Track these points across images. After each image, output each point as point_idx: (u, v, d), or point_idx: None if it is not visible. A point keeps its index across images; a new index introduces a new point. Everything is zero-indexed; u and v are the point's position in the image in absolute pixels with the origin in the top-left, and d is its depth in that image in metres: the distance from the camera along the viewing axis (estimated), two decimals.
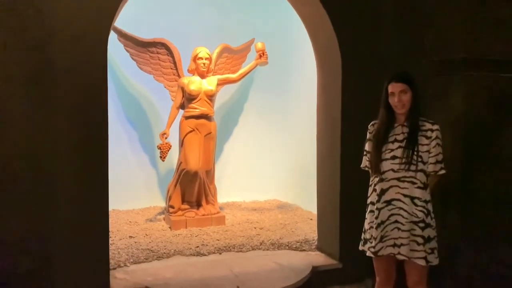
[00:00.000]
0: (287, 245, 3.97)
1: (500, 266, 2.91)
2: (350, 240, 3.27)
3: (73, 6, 2.83)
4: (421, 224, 2.37)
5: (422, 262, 2.37)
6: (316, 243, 3.93)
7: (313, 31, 3.78)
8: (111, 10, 2.95)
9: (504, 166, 2.92)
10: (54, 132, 2.82)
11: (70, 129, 2.86)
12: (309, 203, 4.85)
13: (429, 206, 2.41)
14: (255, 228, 4.53)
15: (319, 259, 3.65)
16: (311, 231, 4.32)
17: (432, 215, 2.42)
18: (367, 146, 2.57)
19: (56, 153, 2.83)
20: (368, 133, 2.57)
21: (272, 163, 5.80)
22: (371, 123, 2.57)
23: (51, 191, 2.83)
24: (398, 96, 2.41)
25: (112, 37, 4.48)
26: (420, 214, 2.38)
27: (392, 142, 2.44)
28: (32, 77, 2.76)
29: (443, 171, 2.42)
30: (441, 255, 2.43)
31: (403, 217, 2.40)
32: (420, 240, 2.37)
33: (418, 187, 2.39)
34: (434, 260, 2.40)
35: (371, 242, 2.48)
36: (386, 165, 2.43)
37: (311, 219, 4.78)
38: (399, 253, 2.41)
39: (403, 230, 2.39)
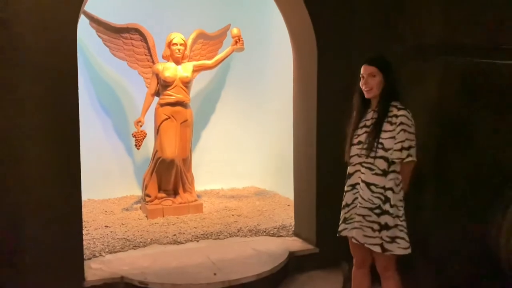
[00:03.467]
0: (265, 231, 3.98)
1: (471, 245, 2.98)
2: (327, 225, 3.30)
3: None
4: (377, 211, 2.34)
5: (377, 249, 2.35)
6: (293, 229, 3.96)
7: (288, 17, 3.75)
8: None
9: (477, 150, 2.98)
10: (22, 119, 2.73)
11: (40, 116, 2.77)
12: (287, 190, 4.87)
13: (389, 194, 2.33)
14: (233, 215, 4.53)
15: (296, 244, 3.68)
16: (288, 217, 4.35)
17: (394, 203, 2.33)
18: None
19: (25, 141, 2.74)
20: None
21: (249, 151, 5.79)
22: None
23: (21, 181, 2.75)
24: (366, 79, 2.40)
25: (84, 22, 4.36)
26: (376, 201, 2.34)
27: (361, 127, 2.45)
28: None
29: (410, 159, 2.31)
30: (414, 238, 2.44)
31: (359, 202, 2.41)
32: (375, 226, 2.35)
33: (376, 174, 2.35)
34: (396, 249, 2.33)
35: (340, 222, 2.54)
36: (353, 150, 2.46)
37: (288, 205, 4.80)
38: (352, 237, 2.44)
39: (358, 214, 2.41)
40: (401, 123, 2.30)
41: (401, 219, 2.36)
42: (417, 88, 2.99)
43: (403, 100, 2.42)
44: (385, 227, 2.33)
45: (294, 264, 3.44)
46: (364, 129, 2.43)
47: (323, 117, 3.48)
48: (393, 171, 2.34)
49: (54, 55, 2.78)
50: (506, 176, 2.98)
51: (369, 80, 2.39)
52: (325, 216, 3.46)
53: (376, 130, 2.34)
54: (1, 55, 2.66)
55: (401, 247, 2.34)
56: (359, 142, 2.43)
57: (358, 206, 2.41)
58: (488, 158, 2.99)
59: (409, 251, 2.36)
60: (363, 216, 2.38)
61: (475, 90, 2.97)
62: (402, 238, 2.34)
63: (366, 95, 2.43)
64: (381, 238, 2.34)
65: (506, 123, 3.00)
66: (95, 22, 4.57)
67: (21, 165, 2.75)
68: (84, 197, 3.02)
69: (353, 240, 2.45)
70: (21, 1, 2.69)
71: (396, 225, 2.34)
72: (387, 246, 2.33)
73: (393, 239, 2.33)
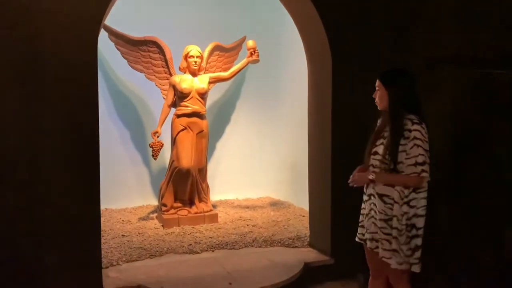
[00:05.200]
0: (280, 242, 3.99)
1: (488, 258, 2.94)
2: (342, 236, 3.30)
3: (62, 4, 2.82)
4: (391, 222, 2.35)
5: (390, 262, 2.36)
6: (308, 240, 3.96)
7: (303, 28, 3.79)
8: (101, 8, 2.94)
9: (493, 161, 2.96)
10: (44, 130, 2.82)
11: (60, 127, 2.86)
12: (302, 200, 4.87)
13: (394, 205, 2.33)
14: (247, 225, 4.55)
15: (311, 255, 3.68)
16: (303, 228, 4.35)
17: (396, 214, 2.32)
18: None
19: (46, 151, 2.82)
20: None
21: (264, 161, 5.82)
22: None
23: (42, 191, 2.83)
24: (375, 92, 2.48)
25: (103, 35, 4.47)
26: (389, 212, 2.35)
27: (379, 138, 2.47)
28: (20, 75, 2.75)
29: (424, 174, 2.28)
30: (430, 251, 2.43)
31: (375, 213, 2.42)
32: (390, 238, 2.36)
33: (386, 184, 2.36)
34: (394, 263, 2.33)
35: (359, 227, 2.57)
36: (371, 160, 2.48)
37: (303, 216, 4.80)
38: (376, 247, 2.43)
39: (375, 226, 2.43)
40: (414, 138, 2.29)
41: (401, 232, 2.32)
42: (431, 100, 2.99)
43: (420, 114, 2.37)
44: (394, 238, 2.35)
45: (309, 275, 3.44)
46: (381, 140, 2.45)
47: (338, 128, 3.50)
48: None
49: (75, 67, 2.87)
50: None
51: (375, 94, 2.48)
52: (340, 227, 3.46)
53: (389, 144, 2.35)
54: (24, 66, 2.76)
55: (397, 262, 2.33)
56: (375, 153, 2.45)
57: (375, 217, 2.42)
58: (506, 170, 2.97)
59: (403, 267, 2.33)
60: (380, 228, 2.39)
61: (490, 101, 2.96)
62: (398, 252, 2.33)
63: (378, 107, 2.50)
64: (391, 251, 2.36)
65: None
66: (114, 35, 4.69)
67: (42, 175, 2.83)
68: (102, 206, 3.08)
69: (379, 251, 2.43)
70: (44, 17, 2.78)
71: (396, 238, 2.33)
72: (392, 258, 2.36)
73: (393, 252, 2.35)
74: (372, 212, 2.45)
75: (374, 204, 2.43)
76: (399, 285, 2.44)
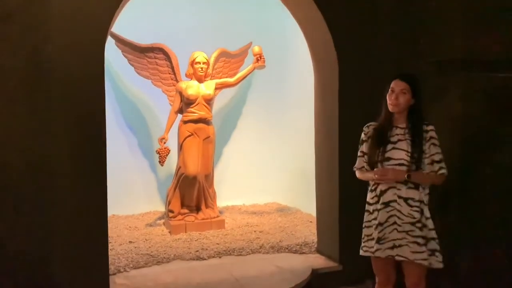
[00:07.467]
0: (287, 248, 3.97)
1: (499, 265, 2.91)
2: (350, 242, 3.27)
3: (69, 12, 2.84)
4: (419, 225, 2.37)
5: (425, 263, 2.36)
6: (316, 246, 3.94)
7: (309, 34, 3.79)
8: (108, 16, 2.96)
9: (502, 166, 2.93)
10: (52, 137, 2.83)
11: (68, 134, 2.87)
12: (309, 206, 4.85)
13: (422, 206, 2.39)
14: (254, 231, 4.53)
15: (319, 261, 3.65)
16: (310, 234, 4.32)
17: (428, 215, 2.40)
18: (363, 148, 2.57)
19: (54, 158, 2.83)
20: (363, 134, 2.58)
21: (271, 166, 5.80)
22: (366, 125, 2.59)
23: (50, 197, 2.83)
24: (396, 94, 2.41)
25: (110, 42, 4.50)
26: (416, 215, 2.37)
27: (387, 143, 2.45)
28: (28, 84, 2.77)
29: (442, 171, 2.39)
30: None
31: (399, 218, 2.39)
32: (421, 241, 2.36)
33: (410, 188, 2.38)
34: (435, 262, 2.37)
35: (365, 241, 2.51)
36: (384, 167, 2.44)
37: (310, 222, 4.78)
38: (397, 255, 2.40)
39: (399, 231, 2.39)
40: (431, 138, 2.39)
41: (434, 231, 2.40)
42: (439, 103, 2.98)
43: (427, 118, 2.46)
44: (427, 240, 2.37)
45: (317, 281, 3.41)
46: (391, 145, 2.43)
47: (345, 133, 3.48)
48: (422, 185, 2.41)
49: (82, 74, 2.88)
50: None
51: (399, 96, 2.41)
52: (348, 232, 3.43)
53: (408, 146, 2.39)
54: (32, 74, 2.78)
55: (438, 260, 2.39)
56: (388, 159, 2.43)
57: (399, 223, 2.39)
58: None
59: (443, 264, 2.41)
60: (407, 232, 2.38)
61: (499, 105, 2.94)
62: (439, 251, 2.39)
63: (391, 109, 2.44)
64: (425, 252, 2.37)
65: None
66: (121, 42, 4.72)
67: (49, 182, 2.83)
68: (109, 213, 3.08)
69: (399, 258, 2.41)
70: (52, 25, 2.80)
71: (433, 238, 2.39)
72: (431, 260, 2.38)
73: (433, 252, 2.38)
74: (394, 218, 2.40)
75: (397, 210, 2.40)
76: (421, 284, 2.45)
